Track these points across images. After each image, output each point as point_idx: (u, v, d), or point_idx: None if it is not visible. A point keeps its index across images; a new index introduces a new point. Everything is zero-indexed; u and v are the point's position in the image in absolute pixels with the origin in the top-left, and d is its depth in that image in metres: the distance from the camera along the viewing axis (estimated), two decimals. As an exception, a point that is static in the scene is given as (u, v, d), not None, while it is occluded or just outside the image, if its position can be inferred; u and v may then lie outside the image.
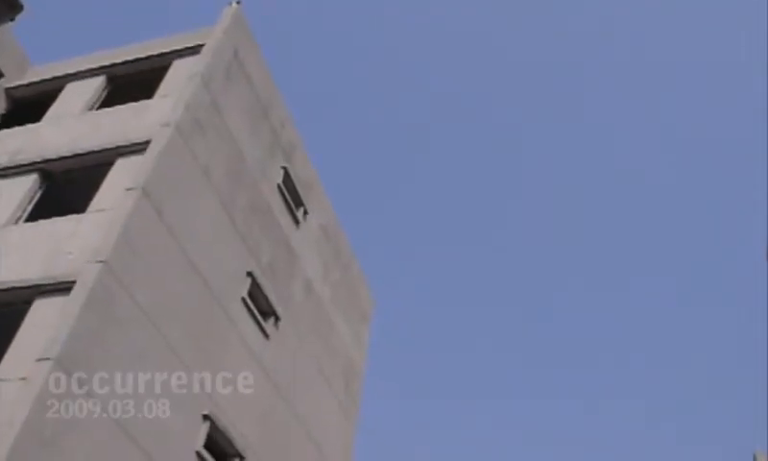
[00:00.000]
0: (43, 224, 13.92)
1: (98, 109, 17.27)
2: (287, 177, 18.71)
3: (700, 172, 70.81)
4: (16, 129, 17.31)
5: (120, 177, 14.15)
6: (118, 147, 14.91)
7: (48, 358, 10.68)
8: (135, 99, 16.65)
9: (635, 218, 72.06)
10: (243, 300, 15.84)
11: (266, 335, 16.58)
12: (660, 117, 68.65)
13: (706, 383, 66.82)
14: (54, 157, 15.53)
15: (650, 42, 67.40)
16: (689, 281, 70.65)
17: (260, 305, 16.68)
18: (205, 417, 13.84)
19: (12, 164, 15.76)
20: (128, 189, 13.29)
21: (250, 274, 16.21)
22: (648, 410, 66.76)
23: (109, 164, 14.76)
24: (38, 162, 15.54)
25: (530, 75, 70.49)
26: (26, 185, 15.14)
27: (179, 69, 16.80)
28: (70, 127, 16.48)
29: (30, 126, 17.22)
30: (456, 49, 70.28)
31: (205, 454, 13.72)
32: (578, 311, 72.44)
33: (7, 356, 11.39)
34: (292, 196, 18.85)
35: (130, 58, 17.99)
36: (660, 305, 70.30)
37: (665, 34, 66.78)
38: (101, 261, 11.96)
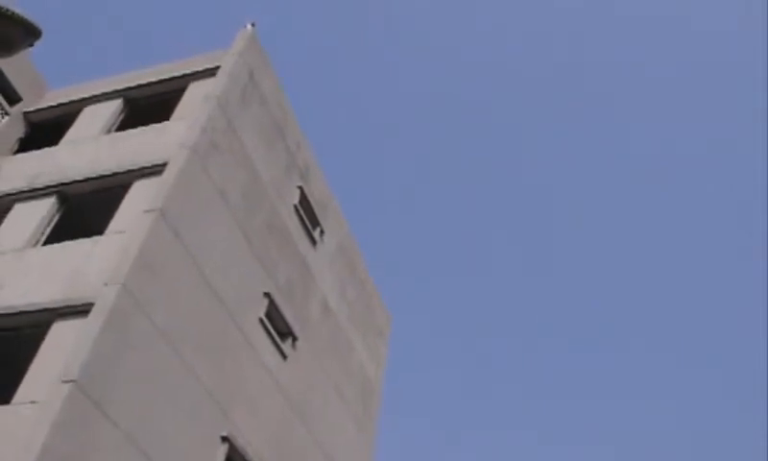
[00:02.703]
0: (61, 246, 13.97)
1: (115, 131, 17.40)
2: (303, 197, 18.74)
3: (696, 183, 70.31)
4: (34, 152, 17.46)
5: (137, 199, 14.21)
6: (135, 169, 14.98)
7: (67, 381, 10.67)
8: (152, 122, 16.76)
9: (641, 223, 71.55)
10: (260, 320, 15.82)
11: (283, 356, 16.54)
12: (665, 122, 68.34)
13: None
14: (71, 180, 15.63)
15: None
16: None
17: (277, 326, 16.66)
18: (224, 438, 13.78)
19: (30, 188, 15.88)
20: (145, 211, 13.33)
21: (267, 294, 16.20)
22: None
23: (127, 186, 14.84)
24: (56, 185, 15.65)
25: (535, 83, 70.47)
26: (44, 209, 15.24)
27: (195, 92, 16.90)
28: (88, 150, 16.59)
29: (48, 149, 17.36)
30: (472, 63, 70.40)
31: (224, 476, 13.66)
32: (581, 345, 71.88)
33: (26, 379, 11.40)
34: (308, 216, 18.87)
35: (146, 81, 18.13)
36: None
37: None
38: (119, 283, 11.98)
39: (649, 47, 67.40)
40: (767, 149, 56.65)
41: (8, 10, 6.48)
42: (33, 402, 10.84)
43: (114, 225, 13.93)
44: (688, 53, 67.57)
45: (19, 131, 18.61)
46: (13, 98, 18.82)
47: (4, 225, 15.32)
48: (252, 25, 18.13)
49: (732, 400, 64.86)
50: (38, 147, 17.82)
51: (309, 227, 18.77)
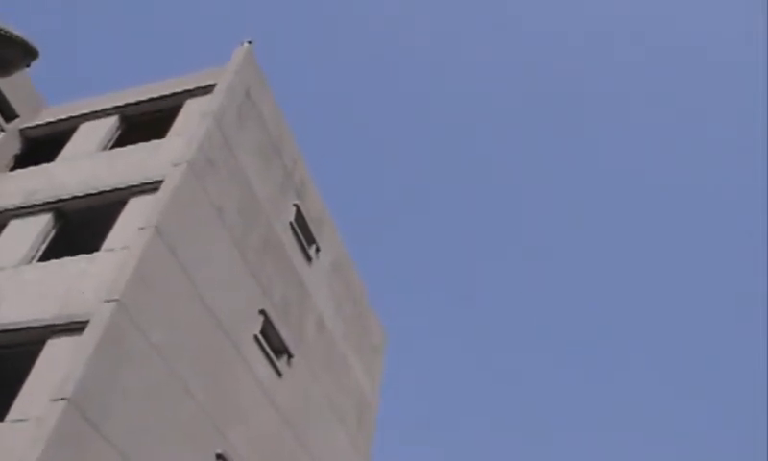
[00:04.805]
0: (57, 263, 13.99)
1: (111, 148, 17.44)
2: (299, 214, 18.77)
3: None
4: (31, 169, 17.49)
5: (133, 216, 14.24)
6: (132, 186, 15.02)
7: (61, 398, 10.67)
8: (148, 138, 16.81)
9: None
10: (256, 338, 15.81)
11: (279, 373, 16.53)
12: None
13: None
14: (68, 196, 15.66)
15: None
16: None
17: (273, 343, 16.65)
18: (219, 456, 13.76)
19: (26, 204, 15.90)
20: (141, 228, 13.36)
21: (262, 312, 16.20)
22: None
23: (123, 203, 14.88)
24: (52, 202, 15.67)
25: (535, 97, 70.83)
26: (40, 225, 15.25)
27: (191, 109, 16.97)
28: (84, 166, 16.63)
29: (44, 166, 17.39)
30: (470, 78, 70.70)
31: (218, 494, 13.63)
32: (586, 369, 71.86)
33: (20, 396, 11.40)
34: (304, 233, 18.90)
35: (143, 98, 18.19)
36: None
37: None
38: (114, 300, 11.99)
39: (649, 47, 67.77)
40: (767, 149, 56.82)
41: (6, 31, 6.55)
42: (28, 419, 10.84)
43: (110, 242, 13.95)
44: (688, 53, 67.96)
45: (16, 147, 18.64)
46: (10, 114, 18.87)
47: (0, 241, 15.34)
48: (249, 43, 18.24)
49: (731, 402, 64.85)
50: (35, 163, 17.87)
51: (305, 244, 18.80)
